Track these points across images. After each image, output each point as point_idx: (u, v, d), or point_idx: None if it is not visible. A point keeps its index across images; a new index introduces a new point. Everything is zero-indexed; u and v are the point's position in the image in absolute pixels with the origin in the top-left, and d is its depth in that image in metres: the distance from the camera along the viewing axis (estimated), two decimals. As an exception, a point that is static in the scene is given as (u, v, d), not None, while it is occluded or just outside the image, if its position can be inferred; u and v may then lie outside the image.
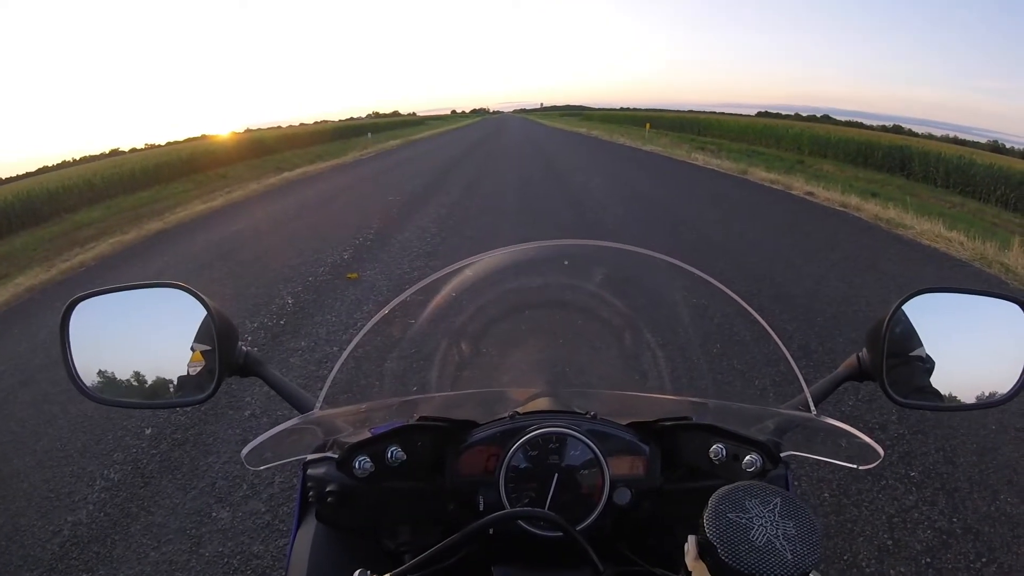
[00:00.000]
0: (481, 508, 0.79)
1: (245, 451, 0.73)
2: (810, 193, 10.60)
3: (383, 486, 0.82)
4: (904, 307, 0.78)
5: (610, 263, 1.03)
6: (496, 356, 1.07)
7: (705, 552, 0.50)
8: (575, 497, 0.80)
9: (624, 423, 0.86)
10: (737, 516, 0.50)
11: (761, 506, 0.51)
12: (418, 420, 0.82)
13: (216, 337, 0.81)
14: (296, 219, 9.54)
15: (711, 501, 0.52)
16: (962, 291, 0.81)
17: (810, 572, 0.47)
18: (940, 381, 0.79)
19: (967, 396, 0.80)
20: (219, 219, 10.20)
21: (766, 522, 0.50)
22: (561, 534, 0.77)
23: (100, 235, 9.30)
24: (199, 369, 0.83)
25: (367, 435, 0.80)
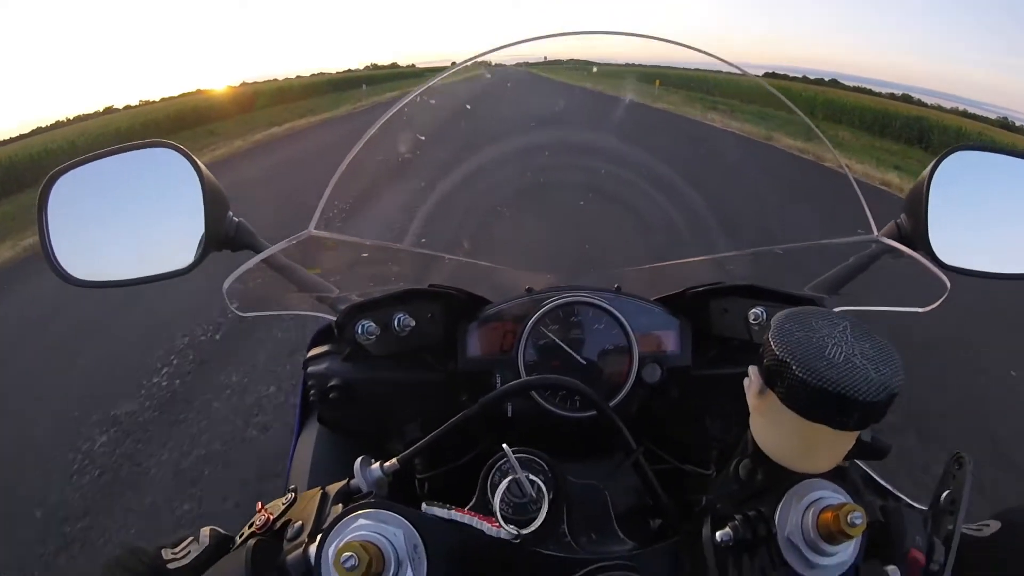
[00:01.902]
0: None
1: (227, 284, 0.68)
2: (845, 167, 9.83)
3: (389, 377, 0.78)
4: (943, 168, 0.73)
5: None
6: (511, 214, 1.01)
7: (773, 376, 0.42)
8: (601, 374, 0.76)
9: (651, 299, 0.81)
10: (806, 334, 0.42)
11: (830, 327, 0.43)
12: (429, 287, 0.77)
13: (204, 203, 0.75)
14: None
15: (774, 322, 0.44)
16: (1002, 151, 0.76)
17: (896, 394, 0.39)
18: (985, 246, 0.75)
19: (1015, 263, 0.76)
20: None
21: (840, 341, 0.42)
22: (586, 416, 0.74)
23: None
24: (186, 239, 0.76)
25: (371, 296, 0.75)
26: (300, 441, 0.84)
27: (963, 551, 0.45)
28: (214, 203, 0.76)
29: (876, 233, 0.78)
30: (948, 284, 0.67)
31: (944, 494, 0.48)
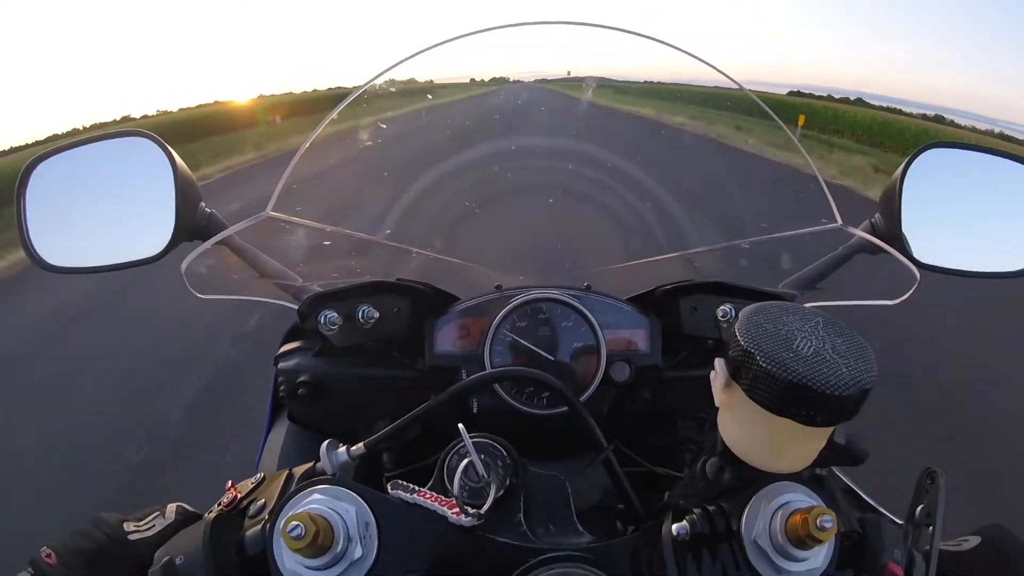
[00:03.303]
0: None
1: (185, 264, 0.69)
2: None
3: (358, 373, 0.79)
4: (917, 165, 0.74)
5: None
6: (480, 209, 1.02)
7: (739, 368, 0.40)
8: (569, 372, 0.77)
9: (621, 298, 0.82)
10: (775, 327, 0.41)
11: (801, 321, 0.42)
12: (396, 280, 0.78)
13: (175, 193, 0.77)
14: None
15: (742, 314, 0.43)
16: (976, 148, 0.77)
17: (869, 390, 0.37)
18: (960, 244, 0.76)
19: (989, 262, 0.76)
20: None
21: (810, 335, 0.40)
22: (555, 414, 0.74)
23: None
24: (158, 228, 0.78)
25: (334, 287, 0.76)
26: (270, 437, 0.85)
27: (943, 566, 0.45)
28: (186, 193, 0.78)
29: (839, 219, 0.78)
30: (917, 275, 0.67)
31: (919, 508, 0.47)
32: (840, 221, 0.77)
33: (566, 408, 0.71)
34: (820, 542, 0.40)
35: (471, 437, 0.52)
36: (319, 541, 0.40)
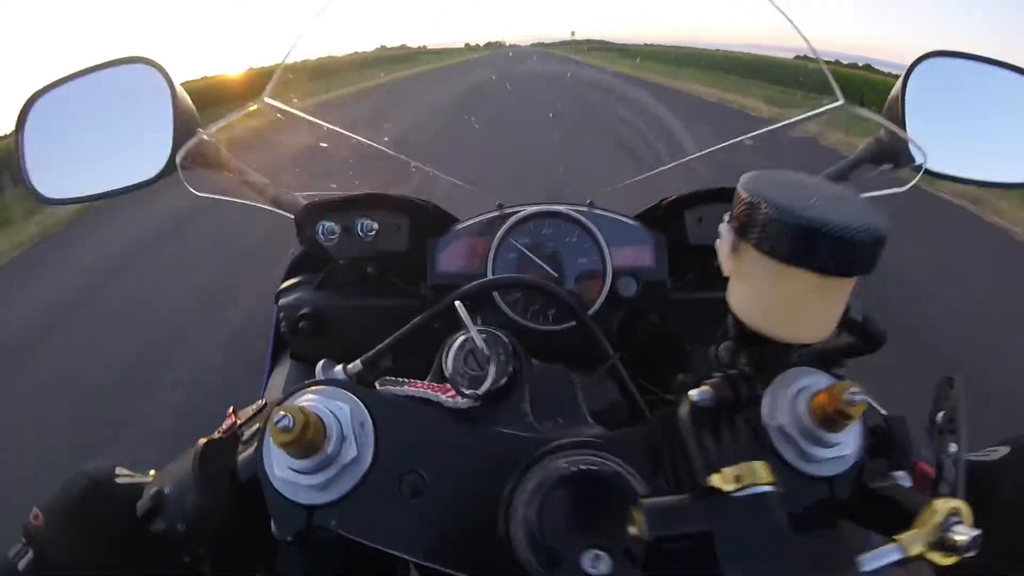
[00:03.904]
0: None
1: (180, 155, 0.70)
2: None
3: (360, 304, 0.80)
4: (918, 75, 0.74)
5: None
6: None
7: (746, 223, 0.37)
8: (574, 287, 0.77)
9: (626, 215, 0.81)
10: (781, 181, 0.39)
11: (806, 179, 0.40)
12: (396, 195, 0.78)
13: (174, 119, 0.77)
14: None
15: (743, 177, 0.40)
16: (975, 57, 0.77)
17: (884, 239, 0.35)
18: (964, 153, 0.75)
19: (991, 171, 0.77)
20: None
21: (818, 189, 0.38)
22: (560, 330, 0.74)
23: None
24: (157, 155, 0.78)
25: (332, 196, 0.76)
26: (273, 375, 0.86)
27: (973, 473, 0.44)
28: (185, 120, 0.78)
29: (840, 98, 0.75)
30: (925, 157, 0.66)
31: (940, 414, 0.46)
32: (842, 100, 0.74)
33: (573, 324, 0.73)
34: (849, 419, 0.39)
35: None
36: (309, 436, 0.38)
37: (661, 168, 0.89)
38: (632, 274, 0.77)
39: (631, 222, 0.80)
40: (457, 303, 0.49)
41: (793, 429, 0.41)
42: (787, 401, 0.42)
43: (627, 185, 0.91)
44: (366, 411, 0.43)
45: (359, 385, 0.46)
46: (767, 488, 0.34)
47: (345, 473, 0.41)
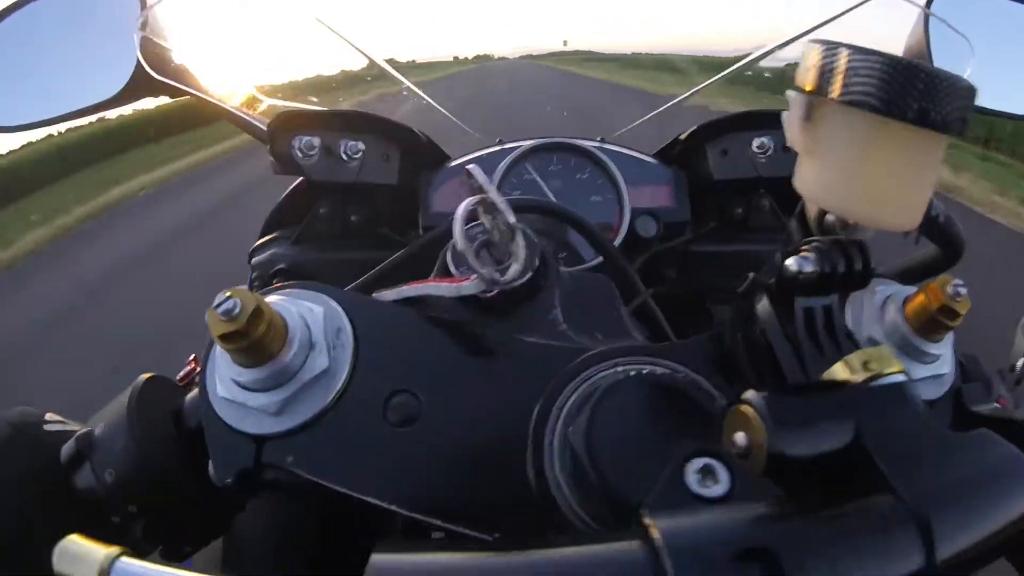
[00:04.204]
0: None
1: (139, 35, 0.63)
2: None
3: (343, 257, 0.72)
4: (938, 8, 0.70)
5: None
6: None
7: (828, 75, 0.30)
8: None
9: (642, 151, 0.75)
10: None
11: None
12: (387, 119, 0.71)
13: (139, 38, 0.69)
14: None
15: (806, 42, 0.31)
16: None
17: (975, 94, 0.28)
18: (990, 87, 0.71)
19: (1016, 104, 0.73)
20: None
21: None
22: (575, 272, 0.68)
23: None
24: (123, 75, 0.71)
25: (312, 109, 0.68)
26: None
27: None
28: (151, 37, 0.71)
29: None
30: (972, 46, 0.61)
31: (1020, 362, 0.43)
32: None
33: (586, 265, 0.65)
34: (953, 321, 0.34)
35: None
36: (260, 335, 0.29)
37: (677, 99, 0.83)
38: (651, 213, 0.70)
39: (648, 159, 0.74)
40: (472, 166, 0.38)
41: (887, 341, 0.36)
42: (874, 310, 0.37)
43: (637, 127, 0.85)
44: (344, 315, 0.34)
45: (337, 288, 0.36)
46: (901, 377, 0.26)
47: (310, 392, 0.31)
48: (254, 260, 0.74)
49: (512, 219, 0.36)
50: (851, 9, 0.70)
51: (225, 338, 0.28)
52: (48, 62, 0.77)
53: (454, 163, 0.74)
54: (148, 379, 0.37)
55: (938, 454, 0.23)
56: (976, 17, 0.73)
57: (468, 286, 0.35)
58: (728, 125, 0.71)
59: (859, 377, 0.26)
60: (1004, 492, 0.22)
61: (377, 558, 0.21)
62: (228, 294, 0.28)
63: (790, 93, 0.33)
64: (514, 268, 0.36)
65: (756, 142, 0.69)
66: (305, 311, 0.33)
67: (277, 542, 0.44)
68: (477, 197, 0.37)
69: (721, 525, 0.21)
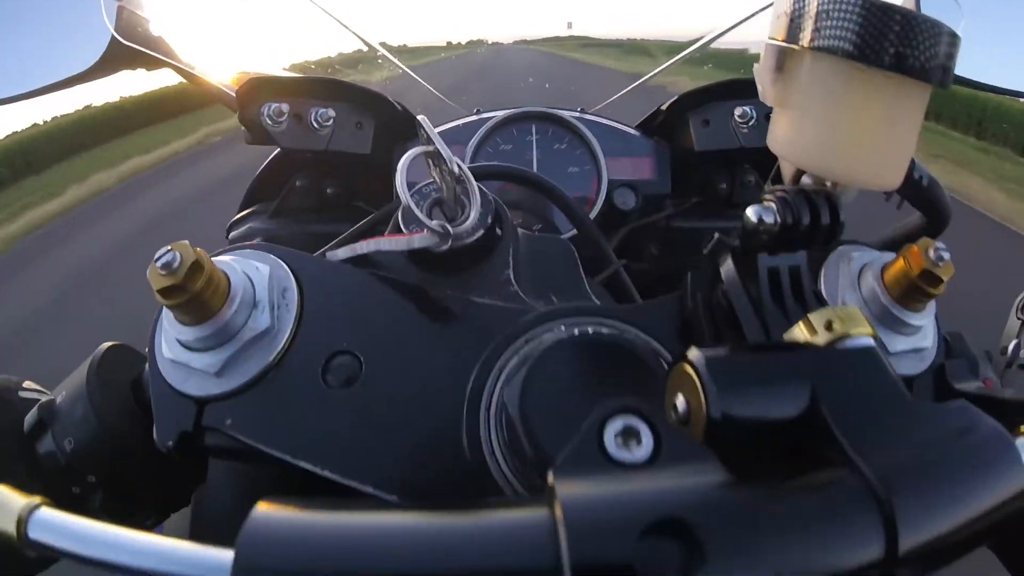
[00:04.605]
0: None
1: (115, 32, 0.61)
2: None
3: (320, 231, 0.70)
4: None
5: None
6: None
7: (799, 21, 0.28)
8: None
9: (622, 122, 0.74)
10: None
11: None
12: (358, 85, 0.69)
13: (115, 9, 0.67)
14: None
15: None
16: None
17: (958, 40, 0.26)
18: (984, 61, 0.69)
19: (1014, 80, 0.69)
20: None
21: None
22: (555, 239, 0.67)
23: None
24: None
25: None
26: None
27: None
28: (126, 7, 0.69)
29: None
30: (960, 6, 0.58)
31: (1013, 343, 0.41)
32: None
33: (563, 235, 0.64)
34: (935, 288, 0.32)
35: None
36: (199, 290, 0.28)
37: (656, 70, 0.82)
38: (630, 185, 0.69)
39: (629, 130, 0.73)
40: (421, 117, 0.36)
41: (864, 310, 0.33)
42: (850, 277, 0.35)
43: (618, 99, 0.83)
44: (291, 275, 0.33)
45: (286, 248, 0.35)
46: (869, 340, 0.23)
47: (251, 351, 0.31)
48: (231, 234, 0.74)
49: (456, 169, 0.35)
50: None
51: (164, 293, 0.28)
52: (18, 35, 0.75)
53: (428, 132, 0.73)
54: (109, 347, 0.37)
55: (908, 426, 0.20)
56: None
57: (419, 239, 0.34)
58: (710, 94, 0.70)
59: (821, 339, 0.23)
60: (984, 472, 0.19)
61: (259, 510, 0.20)
62: (169, 247, 0.28)
63: (764, 45, 0.30)
64: (467, 223, 0.35)
65: (738, 111, 0.68)
66: (251, 269, 0.32)
67: (244, 513, 0.44)
68: (421, 149, 0.35)
69: (631, 494, 0.19)
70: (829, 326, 0.24)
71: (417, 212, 0.34)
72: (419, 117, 0.36)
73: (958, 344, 0.38)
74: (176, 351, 0.31)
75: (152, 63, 0.69)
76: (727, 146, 0.68)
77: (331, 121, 0.67)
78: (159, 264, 0.28)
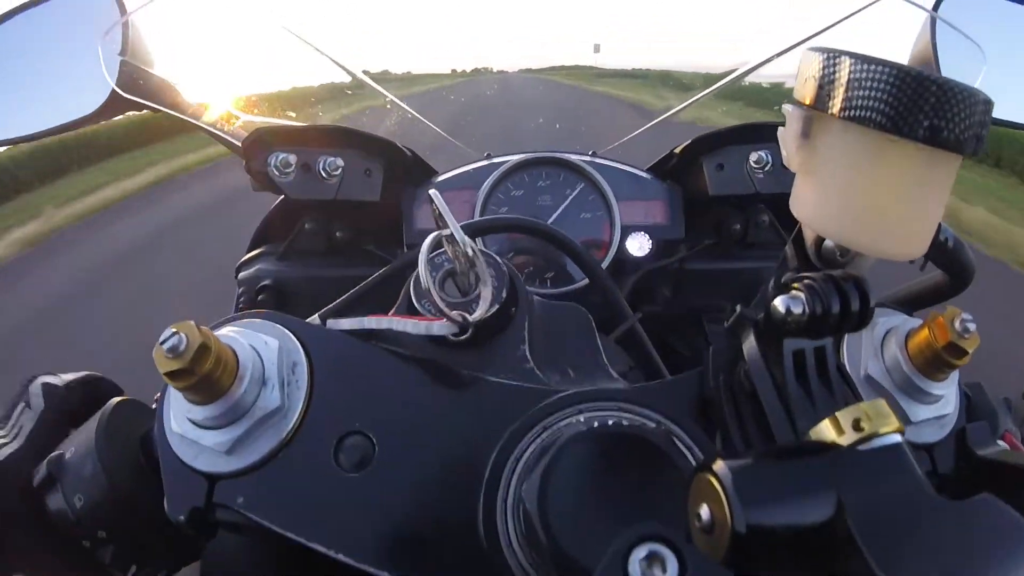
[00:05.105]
0: None
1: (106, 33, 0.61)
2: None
3: (328, 275, 0.71)
4: (946, 12, 0.68)
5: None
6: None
7: (825, 87, 0.27)
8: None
9: (634, 165, 0.73)
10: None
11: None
12: (368, 133, 0.69)
13: (122, 46, 0.69)
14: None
15: (804, 49, 0.29)
16: None
17: (992, 106, 0.26)
18: (999, 95, 0.69)
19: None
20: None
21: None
22: (560, 293, 0.64)
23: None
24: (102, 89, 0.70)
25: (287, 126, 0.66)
26: None
27: None
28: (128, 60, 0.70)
29: None
30: (983, 52, 0.58)
31: None
32: None
33: (575, 288, 0.64)
34: (959, 359, 0.31)
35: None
36: (208, 370, 0.28)
37: (670, 111, 0.81)
38: (644, 229, 0.68)
39: (642, 174, 0.72)
40: (433, 191, 0.36)
41: (886, 379, 0.33)
42: (873, 345, 0.34)
43: (631, 139, 0.83)
44: (301, 349, 0.32)
45: (296, 318, 0.35)
46: (897, 437, 0.22)
47: (262, 430, 0.30)
48: (240, 276, 0.73)
49: (471, 252, 0.35)
50: (854, 14, 0.68)
51: (172, 376, 0.27)
52: (26, 79, 0.77)
53: (440, 178, 0.72)
54: (118, 403, 0.36)
55: (933, 533, 0.20)
56: (985, 21, 0.71)
57: (437, 327, 0.34)
58: (724, 138, 0.69)
59: (848, 439, 0.23)
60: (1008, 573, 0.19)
61: None
62: (174, 329, 0.27)
63: (787, 107, 0.30)
64: (481, 307, 0.35)
65: (753, 156, 0.67)
66: (259, 344, 0.32)
67: (255, 567, 0.43)
68: (437, 234, 0.35)
69: None
70: (857, 425, 0.23)
71: (438, 301, 0.33)
72: (432, 192, 0.36)
73: (978, 396, 0.38)
74: (185, 427, 0.30)
75: (156, 110, 0.70)
76: (742, 191, 0.68)
77: (340, 170, 0.67)
78: (165, 347, 0.27)
